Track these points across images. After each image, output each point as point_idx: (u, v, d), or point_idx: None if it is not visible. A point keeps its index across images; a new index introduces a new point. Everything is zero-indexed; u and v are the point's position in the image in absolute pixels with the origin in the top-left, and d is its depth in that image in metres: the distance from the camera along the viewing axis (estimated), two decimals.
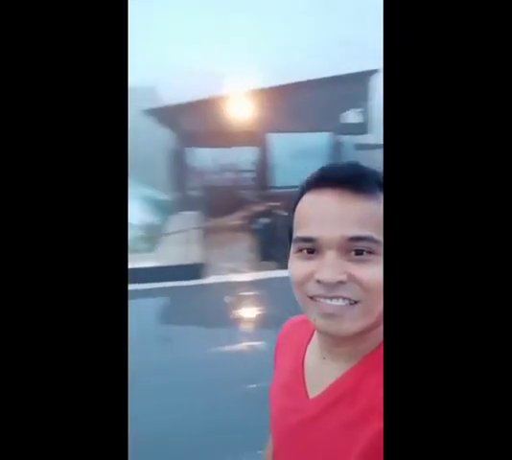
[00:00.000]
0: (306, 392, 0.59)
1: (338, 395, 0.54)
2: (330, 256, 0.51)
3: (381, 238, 0.50)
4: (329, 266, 0.50)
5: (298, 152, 9.96)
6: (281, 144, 10.32)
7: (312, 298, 0.53)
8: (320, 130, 10.33)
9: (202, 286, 5.36)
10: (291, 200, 0.58)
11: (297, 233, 0.54)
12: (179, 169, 10.93)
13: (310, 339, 0.66)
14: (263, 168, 10.43)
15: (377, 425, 0.47)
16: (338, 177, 0.52)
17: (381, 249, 0.50)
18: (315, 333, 0.63)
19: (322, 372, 0.59)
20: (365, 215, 0.50)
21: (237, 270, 6.07)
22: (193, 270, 5.52)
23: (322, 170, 0.55)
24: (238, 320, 4.36)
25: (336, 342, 0.56)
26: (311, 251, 0.53)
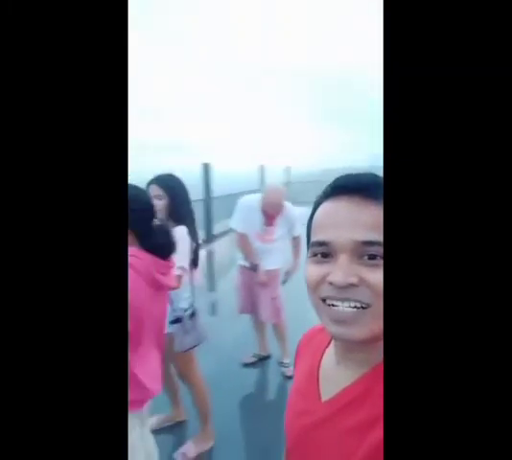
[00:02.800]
0: (319, 395, 0.62)
1: (348, 400, 0.56)
2: (342, 259, 0.53)
3: None
4: (341, 269, 0.52)
5: None
6: None
7: (324, 301, 0.54)
8: None
9: None
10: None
11: (313, 238, 0.57)
12: None
13: (328, 344, 0.68)
14: None
15: (381, 432, 0.47)
16: (352, 186, 0.55)
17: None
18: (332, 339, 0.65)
19: (335, 377, 0.61)
20: (378, 220, 0.52)
21: None
22: None
23: (337, 180, 0.58)
24: None
25: (349, 349, 0.58)
26: (325, 255, 0.55)
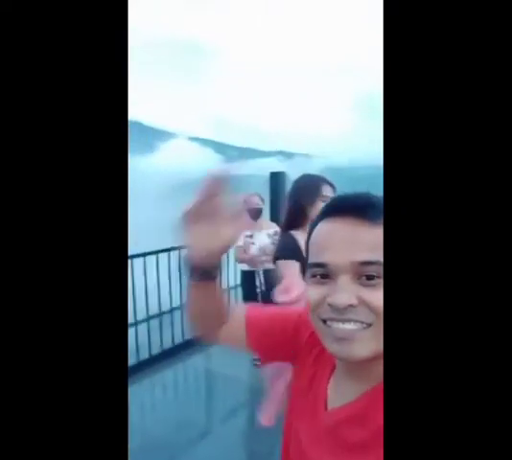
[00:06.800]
0: (325, 404, 0.62)
1: (352, 414, 0.57)
2: (341, 281, 0.53)
3: None
4: (340, 291, 0.52)
5: None
6: None
7: (325, 322, 0.55)
8: None
9: None
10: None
11: (311, 259, 0.57)
12: None
13: None
14: None
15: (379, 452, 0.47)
16: (349, 206, 0.55)
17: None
18: None
19: (340, 391, 0.61)
20: (375, 240, 0.51)
21: None
22: None
23: (334, 200, 0.59)
24: None
25: (350, 368, 0.59)
26: (324, 276, 0.55)
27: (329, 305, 0.53)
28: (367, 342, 0.52)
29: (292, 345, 0.71)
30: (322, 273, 0.55)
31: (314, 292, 0.55)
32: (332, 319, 0.53)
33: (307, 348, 0.70)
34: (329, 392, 0.63)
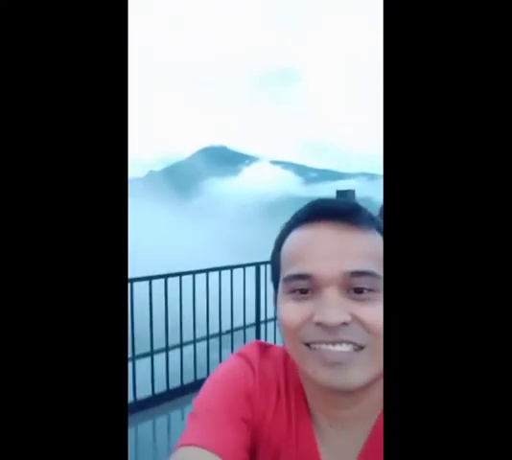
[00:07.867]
0: None
1: None
2: (330, 294, 0.46)
3: (381, 273, 0.45)
4: (330, 306, 0.45)
5: None
6: None
7: (308, 345, 0.47)
8: None
9: None
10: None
11: (289, 271, 0.49)
12: None
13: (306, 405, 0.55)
14: None
15: None
16: (334, 211, 0.49)
17: (381, 286, 0.45)
18: (312, 397, 0.53)
19: (336, 444, 0.52)
20: (366, 249, 0.46)
21: None
22: None
23: (314, 204, 0.52)
24: None
25: (339, 401, 0.50)
26: (304, 291, 0.47)
27: (317, 324, 0.45)
28: (364, 366, 0.45)
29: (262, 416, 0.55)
30: (303, 287, 0.47)
31: (295, 311, 0.47)
32: (319, 342, 0.46)
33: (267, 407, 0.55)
34: (321, 451, 0.52)
